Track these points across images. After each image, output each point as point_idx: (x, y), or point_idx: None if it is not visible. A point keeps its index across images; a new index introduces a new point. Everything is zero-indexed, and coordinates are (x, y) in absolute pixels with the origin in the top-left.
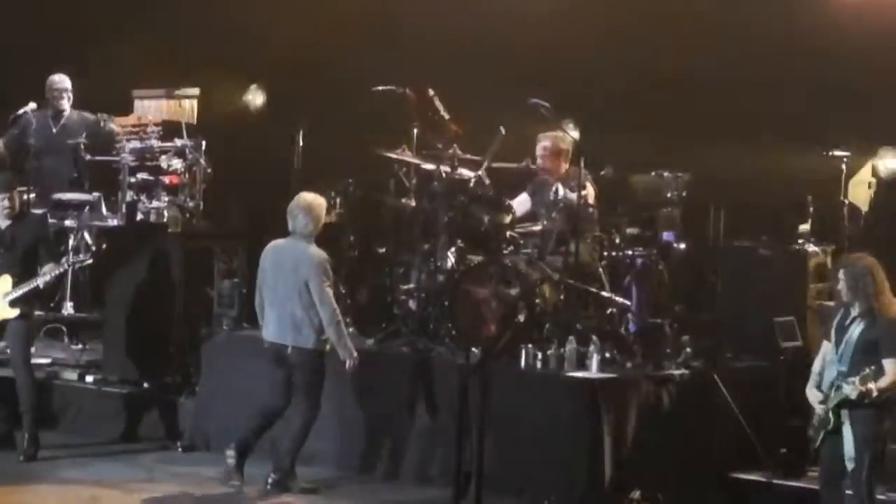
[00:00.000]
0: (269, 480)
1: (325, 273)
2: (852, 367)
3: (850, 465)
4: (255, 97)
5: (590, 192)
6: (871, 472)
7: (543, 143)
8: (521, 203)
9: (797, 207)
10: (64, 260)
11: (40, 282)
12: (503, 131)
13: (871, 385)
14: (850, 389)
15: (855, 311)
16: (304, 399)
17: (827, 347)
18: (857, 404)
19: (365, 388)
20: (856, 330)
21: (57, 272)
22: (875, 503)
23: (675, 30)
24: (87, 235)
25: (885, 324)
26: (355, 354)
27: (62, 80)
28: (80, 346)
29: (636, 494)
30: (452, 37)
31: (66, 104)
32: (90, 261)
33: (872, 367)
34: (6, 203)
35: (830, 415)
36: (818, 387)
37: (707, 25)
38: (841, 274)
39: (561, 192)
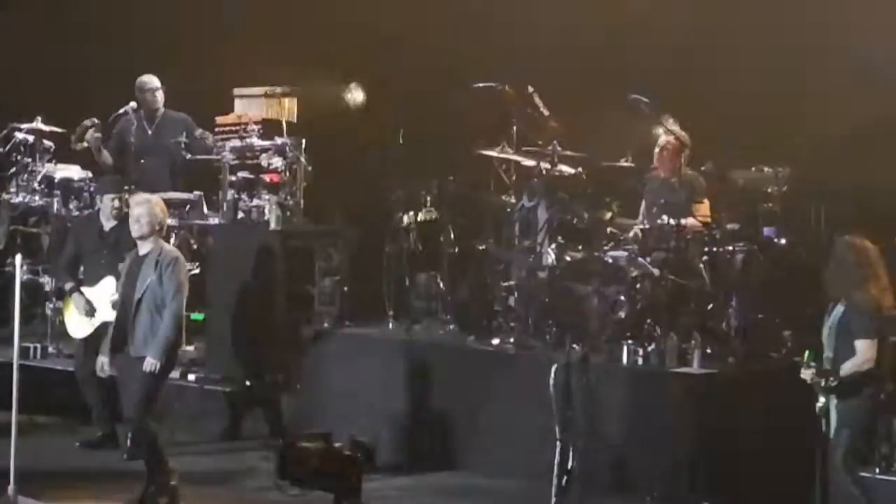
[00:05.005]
0: None
1: None
2: (835, 351)
3: (834, 441)
4: (355, 95)
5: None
6: (849, 450)
7: (665, 138)
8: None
9: None
10: None
11: None
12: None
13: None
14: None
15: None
16: None
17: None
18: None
19: (465, 385)
20: (836, 315)
21: None
22: (858, 480)
23: (780, 28)
24: (189, 235)
25: (857, 306)
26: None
27: (151, 80)
28: (188, 346)
29: None
30: (549, 33)
31: (158, 104)
32: (197, 270)
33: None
34: (115, 203)
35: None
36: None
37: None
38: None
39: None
